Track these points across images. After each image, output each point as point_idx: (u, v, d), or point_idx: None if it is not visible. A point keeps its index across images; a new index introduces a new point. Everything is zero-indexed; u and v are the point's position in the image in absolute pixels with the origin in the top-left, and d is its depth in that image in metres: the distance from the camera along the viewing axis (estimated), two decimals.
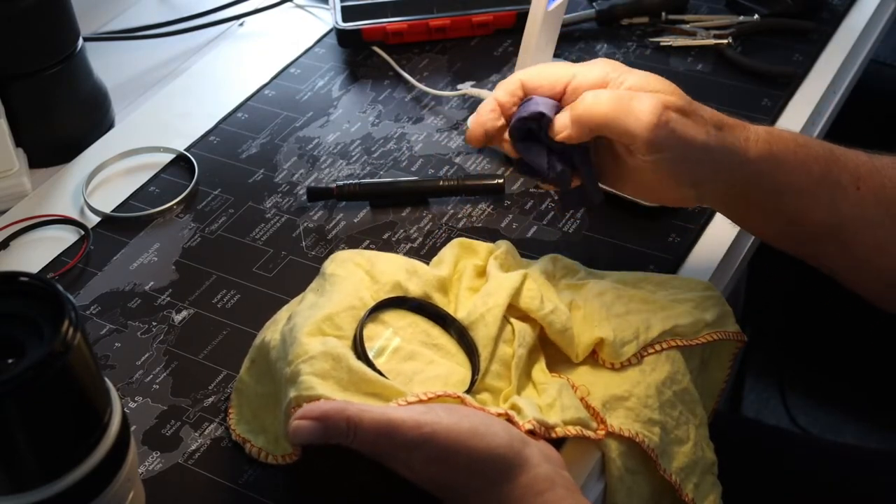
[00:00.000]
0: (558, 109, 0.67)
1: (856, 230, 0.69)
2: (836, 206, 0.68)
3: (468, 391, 0.62)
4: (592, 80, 0.66)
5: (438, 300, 0.67)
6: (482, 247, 0.71)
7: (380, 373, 0.60)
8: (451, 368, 0.63)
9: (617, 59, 0.69)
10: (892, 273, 0.70)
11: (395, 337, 0.63)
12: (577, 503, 0.58)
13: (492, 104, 0.68)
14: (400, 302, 0.65)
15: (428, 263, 0.71)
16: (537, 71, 0.69)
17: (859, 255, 0.70)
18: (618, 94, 0.65)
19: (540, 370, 0.66)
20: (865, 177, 0.68)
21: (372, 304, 0.64)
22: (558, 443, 0.62)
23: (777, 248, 0.73)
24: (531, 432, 0.60)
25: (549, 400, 0.63)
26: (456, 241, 0.71)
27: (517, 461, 0.58)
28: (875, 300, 0.73)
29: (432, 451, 0.56)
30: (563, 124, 0.66)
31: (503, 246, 0.71)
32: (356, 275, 0.66)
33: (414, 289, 0.66)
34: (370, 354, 0.62)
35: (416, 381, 0.61)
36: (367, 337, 0.62)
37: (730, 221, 0.79)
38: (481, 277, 0.69)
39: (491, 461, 0.57)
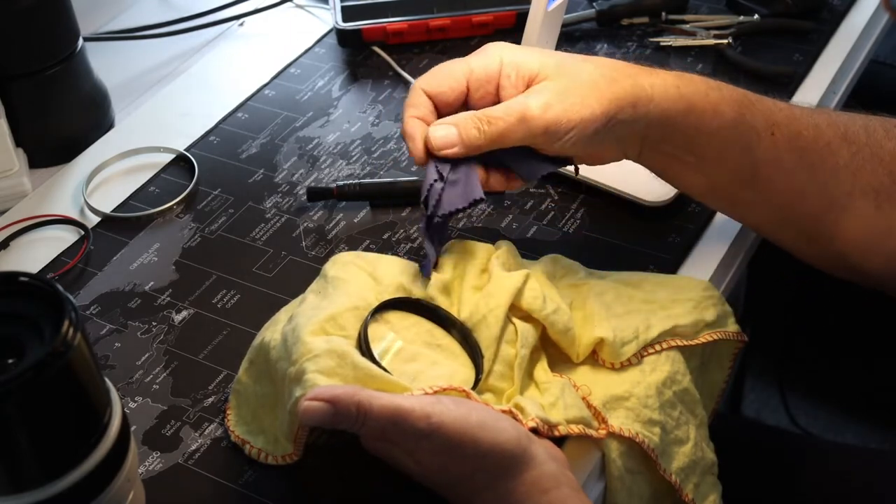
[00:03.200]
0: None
1: (771, 176, 0.69)
2: (751, 150, 0.68)
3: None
4: (490, 73, 0.67)
5: (441, 302, 0.67)
6: (481, 248, 0.71)
7: (384, 370, 0.60)
8: (454, 369, 0.63)
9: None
10: (810, 221, 0.70)
11: (398, 340, 0.63)
12: (582, 503, 0.58)
13: (412, 126, 0.67)
14: (403, 303, 0.65)
15: None
16: (434, 76, 0.68)
17: (776, 202, 0.70)
18: (507, 104, 0.65)
19: (542, 369, 0.66)
20: (781, 123, 0.68)
21: (376, 304, 0.64)
22: (559, 443, 0.62)
23: (703, 203, 0.75)
24: (534, 430, 0.60)
25: (551, 399, 0.63)
26: (453, 243, 0.71)
27: (524, 457, 0.58)
28: (799, 255, 0.74)
29: (440, 442, 0.56)
30: (446, 134, 0.66)
31: (504, 246, 0.71)
32: (359, 277, 0.66)
33: (417, 290, 0.66)
34: (375, 353, 0.62)
35: (420, 381, 0.61)
36: (371, 337, 0.62)
37: (729, 221, 0.79)
38: (484, 275, 0.68)
39: (498, 455, 0.57)
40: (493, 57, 0.67)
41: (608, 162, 0.71)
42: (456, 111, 0.68)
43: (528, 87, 0.66)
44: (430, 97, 0.67)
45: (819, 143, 0.69)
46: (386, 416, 0.55)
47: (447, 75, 0.68)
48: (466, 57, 0.68)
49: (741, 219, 0.75)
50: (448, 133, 0.66)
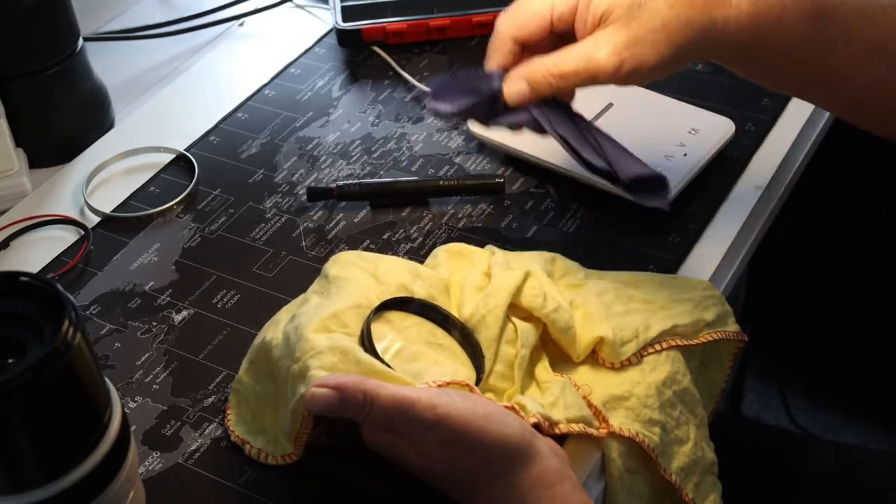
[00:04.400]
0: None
1: (848, 78, 0.70)
2: (826, 61, 0.68)
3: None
4: (570, 9, 0.68)
5: (442, 302, 0.67)
6: (479, 253, 0.71)
7: (388, 366, 0.60)
8: (455, 369, 0.63)
9: None
10: (889, 113, 0.71)
11: (397, 341, 0.63)
12: (584, 501, 0.58)
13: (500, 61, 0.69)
14: (405, 302, 0.65)
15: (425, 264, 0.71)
16: (518, 17, 0.69)
17: (854, 98, 0.71)
18: (578, 55, 0.66)
19: (543, 368, 0.66)
20: (855, 28, 0.68)
21: (377, 304, 0.64)
22: (559, 442, 0.62)
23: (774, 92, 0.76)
24: (536, 427, 0.60)
25: (551, 399, 0.63)
26: (447, 250, 0.71)
27: (529, 451, 0.58)
28: (877, 132, 0.74)
29: (446, 433, 0.56)
30: (519, 90, 0.68)
31: (498, 250, 0.71)
32: (361, 277, 0.66)
33: (419, 290, 0.66)
34: (378, 349, 0.62)
35: (422, 379, 0.61)
36: (373, 336, 0.62)
37: (729, 221, 0.79)
38: (486, 276, 0.68)
39: (504, 448, 0.57)
40: None
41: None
42: (539, 46, 0.69)
43: (599, 23, 0.66)
44: (514, 40, 0.68)
45: (894, 40, 0.68)
46: (393, 405, 0.55)
47: (531, 16, 0.68)
48: None
49: (816, 104, 0.78)
50: (521, 89, 0.68)
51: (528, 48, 0.70)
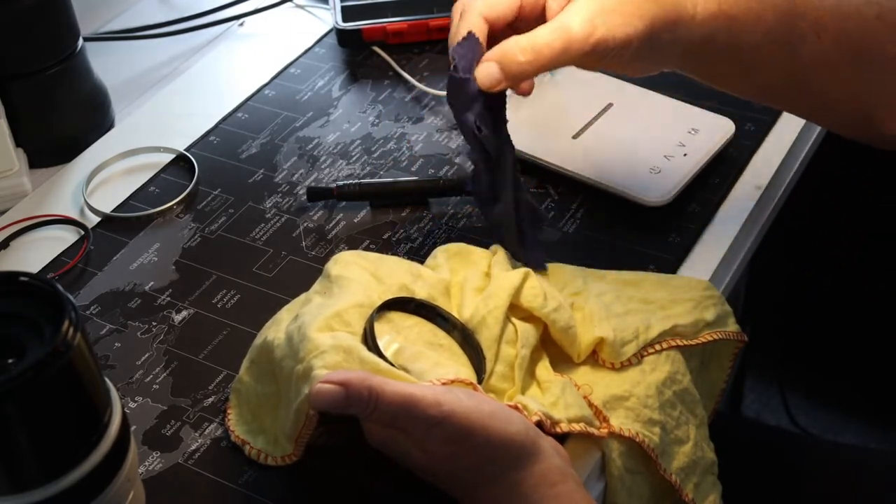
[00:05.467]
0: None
1: (818, 77, 0.69)
2: (796, 54, 0.68)
3: None
4: None
5: (442, 303, 0.67)
6: (479, 253, 0.71)
7: (391, 364, 0.60)
8: (456, 370, 0.62)
9: None
10: (859, 115, 0.71)
11: (395, 342, 0.63)
12: (587, 500, 0.58)
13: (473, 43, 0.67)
14: (406, 303, 0.65)
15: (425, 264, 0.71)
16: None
17: (824, 100, 0.71)
18: (551, 28, 0.65)
19: (544, 368, 0.66)
20: (828, 24, 0.68)
21: (379, 304, 0.64)
22: (559, 442, 0.62)
23: (749, 100, 0.75)
24: (538, 425, 0.60)
25: (552, 399, 0.63)
26: (447, 250, 0.71)
27: (532, 449, 0.58)
28: (849, 136, 0.74)
29: (450, 430, 0.55)
30: (490, 73, 0.66)
31: (500, 249, 0.71)
32: (363, 277, 0.66)
33: (419, 291, 0.66)
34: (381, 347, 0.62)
35: (424, 378, 0.61)
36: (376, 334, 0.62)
37: (729, 221, 0.79)
38: (487, 277, 0.68)
39: (507, 445, 0.57)
40: None
41: (648, 74, 0.72)
42: (510, 28, 0.68)
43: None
44: (486, 20, 0.67)
45: (867, 41, 0.68)
46: (397, 402, 0.55)
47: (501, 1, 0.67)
48: None
49: (787, 111, 0.77)
50: (491, 72, 0.66)
51: (495, 36, 0.68)
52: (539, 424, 0.60)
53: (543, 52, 0.64)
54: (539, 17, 0.67)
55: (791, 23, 0.67)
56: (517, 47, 0.65)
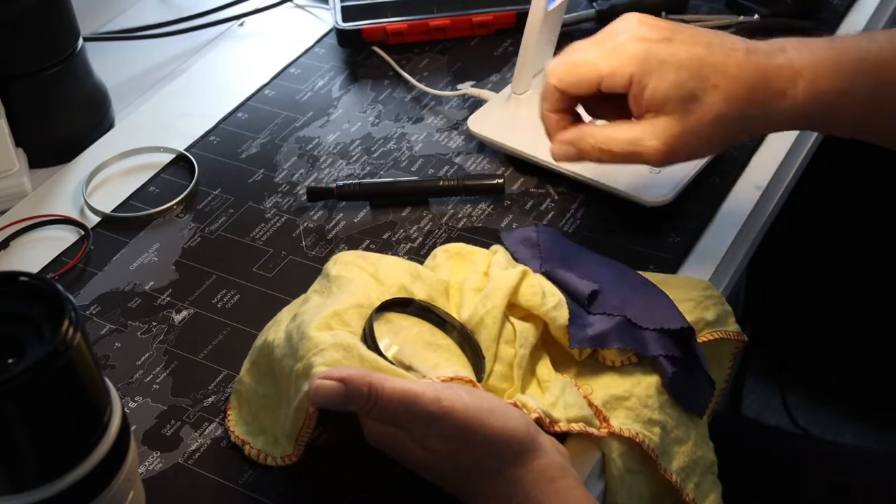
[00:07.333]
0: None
1: None
2: (891, 121, 0.67)
3: None
4: (618, 87, 0.67)
5: (442, 304, 0.67)
6: (478, 253, 0.71)
7: (391, 362, 0.60)
8: (455, 371, 0.63)
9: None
10: None
11: (397, 342, 0.63)
12: (586, 496, 0.58)
13: (548, 120, 0.70)
14: (405, 304, 0.65)
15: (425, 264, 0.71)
16: (567, 75, 0.69)
17: None
18: (628, 140, 0.66)
19: (545, 367, 0.66)
20: None
21: (378, 304, 0.64)
22: (559, 441, 0.62)
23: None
24: (537, 423, 0.60)
25: (551, 399, 0.63)
26: (447, 250, 0.71)
27: (532, 445, 0.58)
28: None
29: (450, 426, 0.56)
30: (566, 153, 0.69)
31: (501, 249, 0.71)
32: (362, 277, 0.66)
33: (419, 292, 0.66)
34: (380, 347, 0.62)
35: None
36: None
37: (729, 221, 0.79)
38: (486, 277, 0.69)
39: (507, 441, 0.57)
40: (622, 71, 0.66)
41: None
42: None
43: (653, 109, 0.66)
44: (561, 93, 0.69)
45: None
46: (398, 398, 0.55)
47: (579, 79, 0.68)
48: (596, 56, 0.68)
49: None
50: (568, 152, 0.69)
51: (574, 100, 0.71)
52: (538, 422, 0.60)
53: (616, 157, 0.67)
54: (616, 96, 0.68)
55: (879, 102, 0.66)
56: (595, 142, 0.67)
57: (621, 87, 0.67)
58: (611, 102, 0.70)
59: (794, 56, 0.65)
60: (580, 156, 0.69)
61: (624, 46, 0.67)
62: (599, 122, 0.71)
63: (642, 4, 1.00)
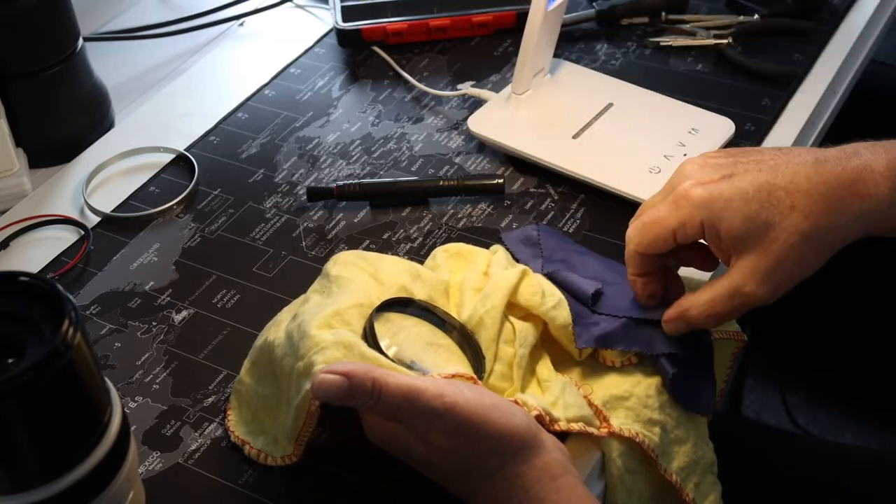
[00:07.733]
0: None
1: None
2: None
3: None
4: (692, 238, 0.65)
5: (442, 304, 0.67)
6: (478, 253, 0.71)
7: (392, 360, 0.60)
8: (455, 370, 0.62)
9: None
10: None
11: (397, 342, 0.63)
12: (587, 494, 0.59)
13: (636, 285, 0.68)
14: (405, 303, 0.65)
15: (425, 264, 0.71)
16: (643, 239, 0.66)
17: None
18: (728, 293, 0.64)
19: (545, 366, 0.66)
20: None
21: (378, 304, 0.64)
22: (559, 440, 0.62)
23: None
24: (538, 420, 0.60)
25: (551, 399, 0.63)
26: (447, 250, 0.71)
27: (534, 442, 0.58)
28: None
29: (453, 422, 0.56)
30: (677, 329, 0.66)
31: (501, 249, 0.71)
32: (362, 277, 0.66)
33: (418, 292, 0.66)
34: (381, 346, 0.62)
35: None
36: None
37: None
38: (485, 277, 0.69)
39: (509, 437, 0.57)
40: (692, 221, 0.64)
41: None
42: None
43: (735, 250, 0.64)
44: (641, 256, 0.67)
45: None
46: (401, 393, 0.55)
47: (654, 238, 0.65)
48: (664, 211, 0.65)
49: None
50: (680, 328, 0.66)
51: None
52: (538, 420, 0.60)
53: (726, 315, 0.65)
54: (693, 245, 0.67)
55: None
56: (700, 312, 0.65)
57: (696, 237, 0.65)
58: (697, 249, 0.68)
59: (870, 158, 0.63)
60: (694, 327, 0.66)
61: (687, 195, 0.64)
62: (686, 269, 0.70)
63: (642, 5, 1.00)
